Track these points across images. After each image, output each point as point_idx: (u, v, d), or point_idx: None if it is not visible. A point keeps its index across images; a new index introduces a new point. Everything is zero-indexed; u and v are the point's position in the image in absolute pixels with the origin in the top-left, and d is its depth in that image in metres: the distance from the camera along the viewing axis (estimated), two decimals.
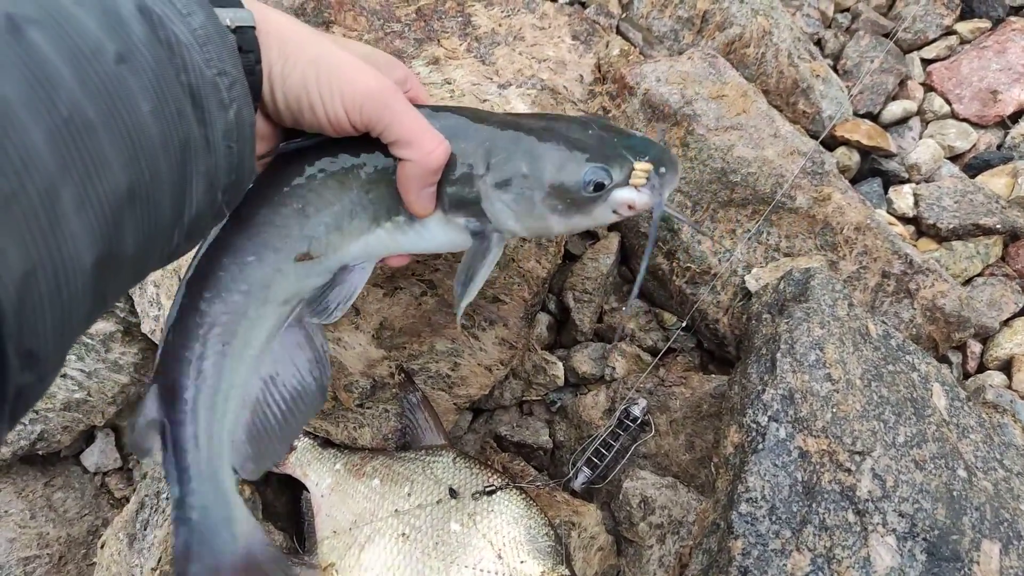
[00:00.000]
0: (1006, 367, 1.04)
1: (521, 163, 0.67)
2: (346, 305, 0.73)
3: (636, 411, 0.98)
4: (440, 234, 0.73)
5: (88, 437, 1.24)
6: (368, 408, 0.98)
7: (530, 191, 0.68)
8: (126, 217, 0.43)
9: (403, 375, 0.97)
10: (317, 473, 0.98)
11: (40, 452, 1.17)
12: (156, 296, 1.05)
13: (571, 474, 0.99)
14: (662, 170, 0.66)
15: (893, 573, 0.76)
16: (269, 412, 0.73)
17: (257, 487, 1.00)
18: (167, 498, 0.95)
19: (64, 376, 1.14)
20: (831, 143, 1.20)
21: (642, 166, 0.66)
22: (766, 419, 0.83)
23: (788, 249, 1.04)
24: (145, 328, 1.09)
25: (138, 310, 1.10)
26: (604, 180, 0.66)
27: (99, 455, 1.22)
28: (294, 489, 1.05)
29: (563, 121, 0.71)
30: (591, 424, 1.04)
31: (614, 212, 0.68)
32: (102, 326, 1.17)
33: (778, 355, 0.86)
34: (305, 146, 0.67)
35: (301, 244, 0.69)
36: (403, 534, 0.86)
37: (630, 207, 0.68)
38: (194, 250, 0.67)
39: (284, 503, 1.06)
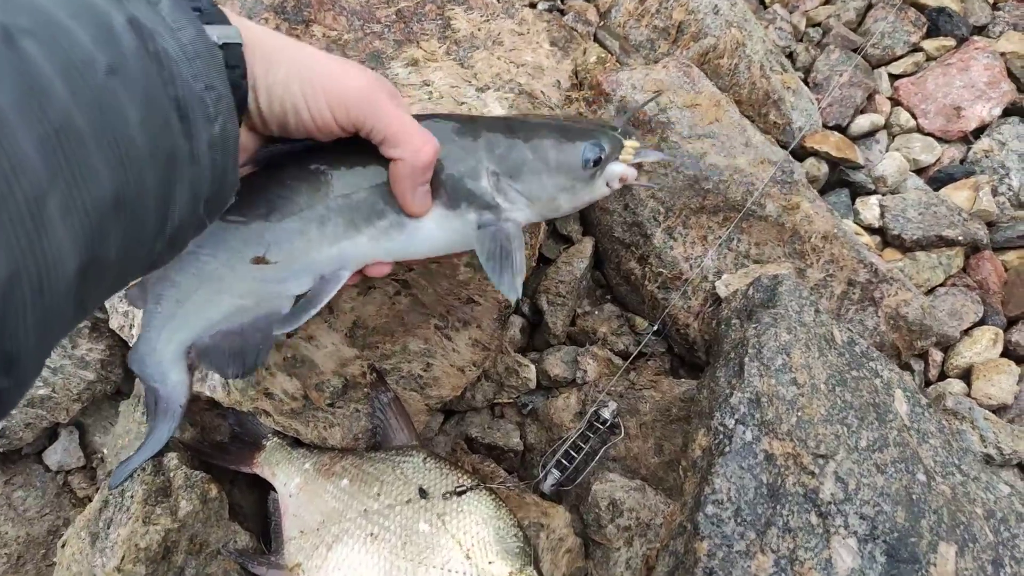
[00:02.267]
0: (966, 375, 1.07)
1: (525, 151, 0.73)
2: (308, 315, 0.75)
3: (606, 414, 0.99)
4: (436, 232, 0.74)
5: (51, 435, 1.22)
6: (339, 408, 0.97)
7: (539, 176, 0.73)
8: (111, 225, 0.44)
9: (375, 375, 0.97)
10: (285, 473, 0.97)
11: (0, 449, 1.15)
12: (124, 292, 1.03)
13: (540, 476, 0.99)
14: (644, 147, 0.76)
15: (854, 574, 0.77)
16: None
17: (223, 487, 0.99)
18: (131, 496, 0.94)
19: None
20: (801, 153, 1.22)
21: (631, 143, 0.75)
22: (733, 422, 0.85)
23: (758, 256, 1.06)
24: (113, 324, 1.08)
25: (106, 306, 1.08)
26: (601, 155, 0.73)
27: (62, 453, 1.20)
28: (262, 489, 1.04)
29: (548, 117, 0.79)
30: (561, 427, 1.05)
31: (607, 185, 0.76)
32: None
33: (746, 359, 0.87)
34: (284, 151, 0.68)
35: (258, 248, 0.71)
36: (371, 534, 0.86)
37: (622, 180, 0.75)
38: None
39: (251, 503, 1.05)
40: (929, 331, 1.03)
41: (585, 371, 1.10)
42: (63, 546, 0.99)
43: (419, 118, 0.68)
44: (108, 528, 0.94)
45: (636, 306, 1.17)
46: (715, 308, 1.07)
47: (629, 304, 1.18)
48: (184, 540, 0.90)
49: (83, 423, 1.23)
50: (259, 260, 0.72)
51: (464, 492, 0.88)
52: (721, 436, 0.85)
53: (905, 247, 1.15)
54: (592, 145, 0.73)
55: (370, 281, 0.95)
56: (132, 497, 0.94)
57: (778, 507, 0.80)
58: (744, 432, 0.84)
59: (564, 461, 0.99)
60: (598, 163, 0.73)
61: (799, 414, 0.84)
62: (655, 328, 1.01)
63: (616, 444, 1.01)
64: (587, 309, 1.19)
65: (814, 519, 0.80)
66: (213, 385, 0.98)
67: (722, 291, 1.05)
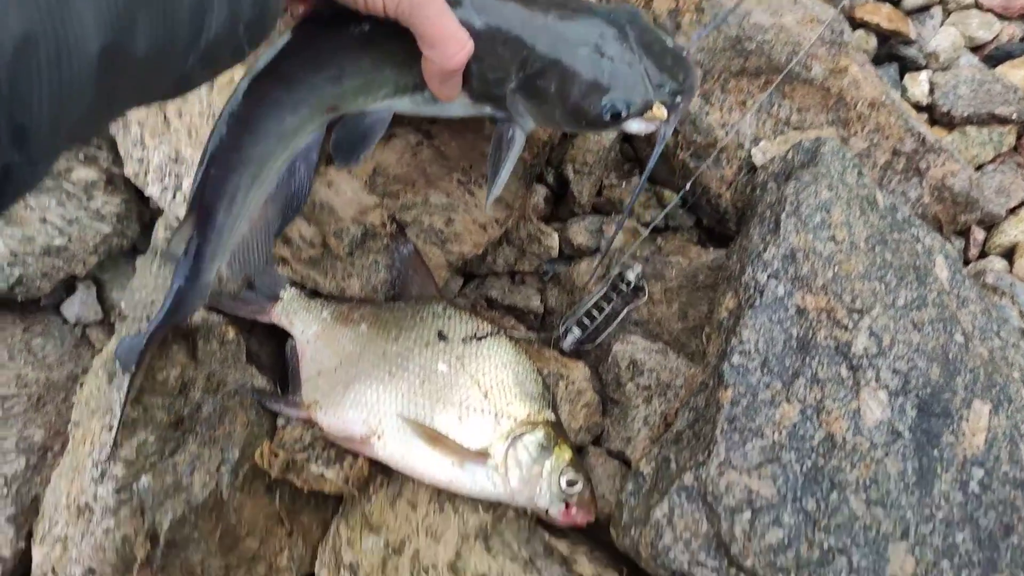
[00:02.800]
0: (1008, 254, 1.03)
1: (551, 81, 0.73)
2: (366, 152, 0.82)
3: (630, 275, 0.96)
4: (462, 111, 0.81)
5: (69, 288, 1.21)
6: (358, 258, 0.95)
7: (553, 106, 0.75)
8: (139, 13, 0.42)
9: (395, 225, 0.94)
10: (303, 321, 0.96)
11: (18, 298, 1.15)
12: (140, 136, 1.01)
13: (560, 333, 0.97)
14: (677, 99, 0.73)
15: (882, 426, 0.75)
16: (259, 232, 0.83)
17: (242, 335, 0.98)
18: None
19: (44, 221, 1.11)
20: (850, 25, 1.16)
21: (659, 110, 0.73)
22: (765, 276, 0.82)
23: (798, 123, 1.01)
24: (128, 171, 1.05)
25: (121, 152, 1.06)
26: (622, 112, 0.73)
27: (80, 306, 1.20)
28: (279, 341, 1.04)
29: (601, 26, 0.73)
30: (584, 290, 1.02)
31: (621, 131, 0.78)
32: (84, 173, 1.13)
33: (783, 215, 0.84)
34: (342, 14, 0.70)
35: (332, 101, 0.78)
36: (389, 372, 0.85)
37: (636, 133, 0.76)
38: (227, 98, 0.76)
39: (268, 354, 1.04)
40: (975, 204, 0.99)
41: (611, 240, 1.07)
42: (81, 386, 1.00)
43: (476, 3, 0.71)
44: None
45: (665, 178, 1.13)
46: (750, 176, 1.02)
47: (658, 176, 1.14)
48: (201, 378, 0.90)
49: (100, 279, 1.22)
50: (331, 110, 0.79)
51: (484, 337, 0.86)
52: (752, 291, 0.82)
53: (954, 124, 1.09)
54: (618, 101, 0.72)
55: (391, 128, 0.92)
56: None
57: (807, 359, 0.78)
58: (776, 286, 0.81)
59: (585, 320, 0.97)
60: (616, 119, 0.73)
61: (836, 269, 0.80)
62: (685, 189, 0.97)
63: (639, 308, 0.99)
64: (614, 182, 1.15)
65: (844, 371, 0.77)
66: None
67: (758, 159, 1.01)
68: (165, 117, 0.95)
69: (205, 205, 0.77)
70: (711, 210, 1.07)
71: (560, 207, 1.15)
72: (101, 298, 1.22)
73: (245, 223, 0.81)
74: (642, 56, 0.72)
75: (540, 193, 1.13)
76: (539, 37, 0.72)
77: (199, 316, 0.94)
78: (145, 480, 0.84)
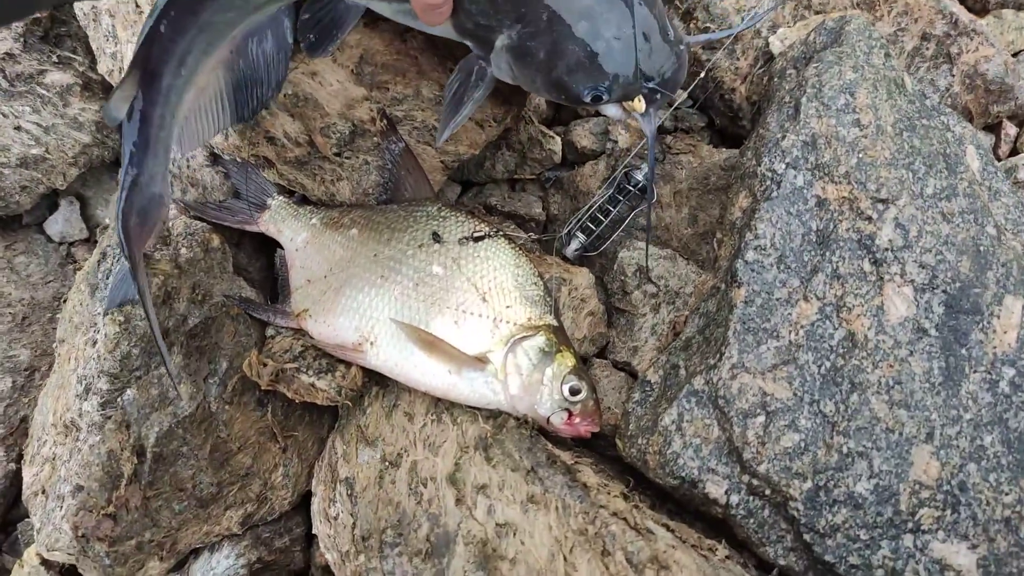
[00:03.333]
0: None
1: (541, 48, 0.70)
2: (337, 42, 0.77)
3: (638, 176, 0.90)
4: (442, 34, 0.77)
5: (51, 205, 1.16)
6: (347, 158, 0.89)
7: (536, 72, 0.72)
8: None
9: (385, 121, 0.88)
10: (292, 229, 0.90)
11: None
12: (112, 29, 0.94)
13: (564, 239, 0.92)
14: (657, 97, 0.73)
15: (907, 324, 0.70)
16: (212, 102, 0.78)
17: (228, 244, 0.93)
18: None
19: (19, 129, 1.05)
20: None
21: (639, 103, 0.72)
22: (783, 166, 0.75)
23: (820, 7, 0.93)
24: (102, 68, 0.99)
25: (94, 48, 0.99)
26: (603, 97, 0.72)
27: (63, 224, 1.15)
28: (269, 254, 0.99)
29: (607, 4, 0.70)
30: (588, 194, 0.97)
31: (597, 112, 0.78)
32: (58, 77, 1.06)
33: (803, 99, 0.77)
34: None
35: None
36: (382, 276, 0.80)
37: (614, 119, 0.76)
38: None
39: (259, 269, 0.99)
40: (1009, 93, 0.92)
41: (616, 141, 1.01)
42: (65, 302, 0.96)
43: None
44: (107, 279, 0.89)
45: None
46: (767, 67, 0.95)
47: None
48: (185, 288, 0.85)
49: (83, 195, 1.17)
50: None
51: (482, 238, 0.81)
52: (768, 182, 0.76)
53: (988, 7, 1.01)
54: (601, 88, 0.71)
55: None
56: None
57: (827, 254, 0.73)
58: (795, 176, 0.75)
59: (590, 225, 0.91)
60: (596, 101, 0.72)
61: (860, 156, 0.74)
62: (700, 77, 0.90)
63: (646, 211, 0.93)
64: None
65: (867, 266, 0.72)
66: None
67: (776, 47, 0.93)
68: (136, 4, 0.87)
69: (151, 64, 0.70)
70: (724, 107, 1.00)
71: (563, 109, 1.08)
72: (85, 215, 1.17)
73: (194, 91, 0.74)
74: (640, 42, 0.69)
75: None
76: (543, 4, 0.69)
77: (182, 223, 0.89)
78: (130, 393, 0.81)
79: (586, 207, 0.92)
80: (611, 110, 0.75)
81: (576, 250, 0.91)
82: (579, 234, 0.91)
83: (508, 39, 0.71)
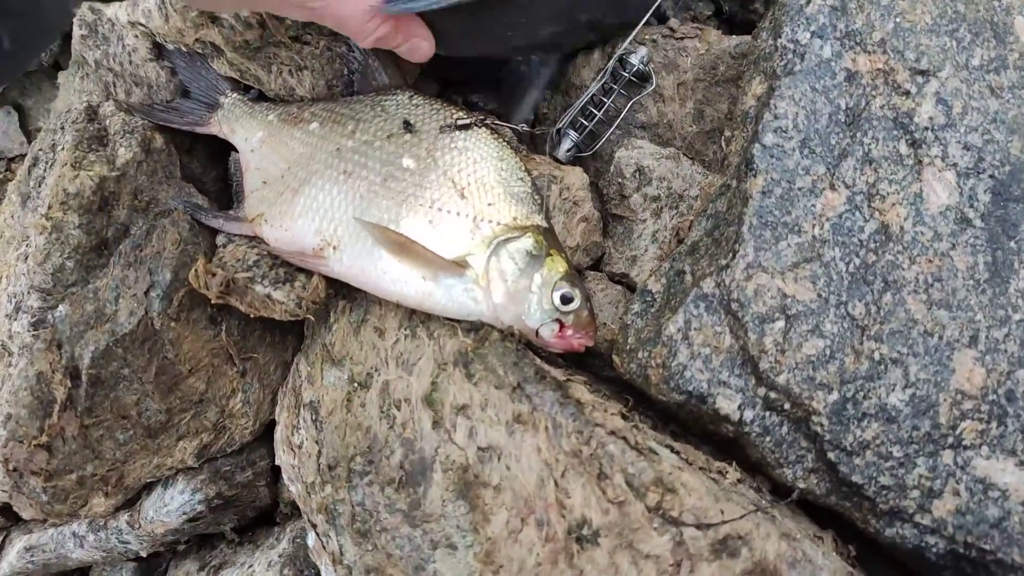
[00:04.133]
0: None
1: None
2: None
3: (634, 60, 0.79)
4: None
5: None
6: (306, 43, 0.78)
7: None
8: None
9: None
10: (246, 128, 0.80)
11: None
12: None
13: (554, 137, 0.82)
14: None
15: (949, 213, 0.61)
16: None
17: (176, 149, 0.83)
18: (62, 148, 0.78)
19: None
20: None
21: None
22: (808, 35, 0.65)
23: None
24: None
25: None
26: None
27: (1, 137, 1.04)
28: (224, 161, 0.88)
29: None
30: (582, 88, 0.86)
31: None
32: None
33: None
34: None
35: None
36: (344, 171, 0.70)
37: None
38: None
39: (213, 179, 0.89)
40: None
41: None
42: None
43: None
44: (39, 186, 0.79)
45: None
46: None
47: None
48: (125, 193, 0.75)
49: (22, 104, 1.06)
50: None
51: (466, 127, 0.70)
52: (790, 55, 0.65)
53: None
54: None
55: None
56: (63, 148, 0.78)
57: (858, 135, 0.63)
58: (821, 47, 0.65)
59: (582, 120, 0.81)
60: None
61: (897, 20, 0.64)
62: None
63: (645, 104, 0.83)
64: None
65: (903, 148, 0.62)
66: (147, 9, 0.79)
67: None
68: None
69: None
70: None
71: None
72: (24, 128, 1.06)
73: None
74: None
75: None
76: None
77: (119, 120, 0.78)
78: (62, 309, 0.71)
79: (578, 101, 0.81)
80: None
81: (568, 150, 0.81)
82: (571, 131, 0.80)
83: None
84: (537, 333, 0.66)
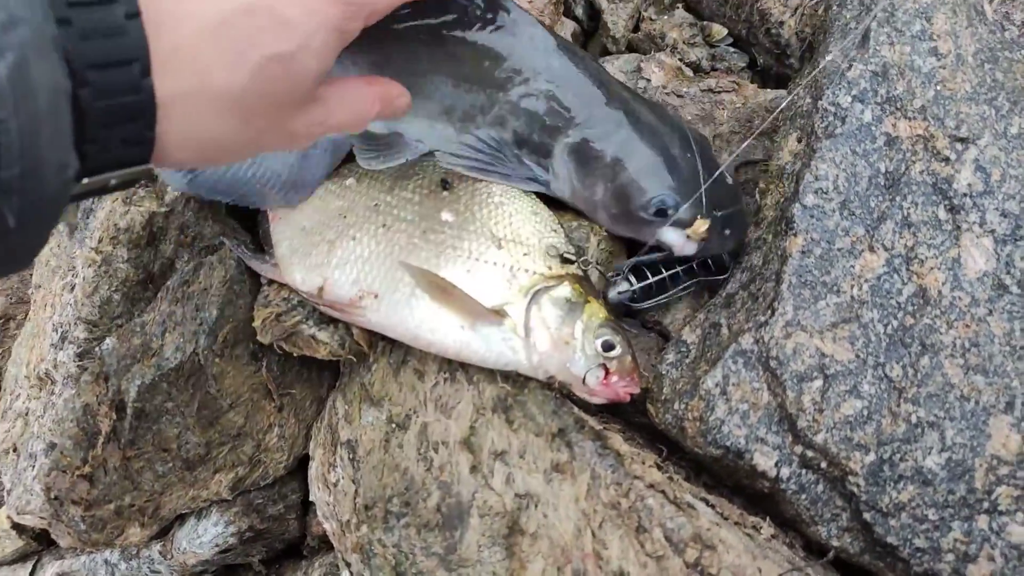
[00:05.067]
0: None
1: (609, 151, 0.69)
2: None
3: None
4: None
5: None
6: None
7: (599, 178, 0.70)
8: None
9: None
10: None
11: None
12: None
13: (611, 275, 0.75)
14: (726, 232, 0.69)
15: (986, 279, 0.62)
16: None
17: None
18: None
19: None
20: None
21: (703, 225, 0.67)
22: (849, 99, 0.67)
23: None
24: None
25: None
26: (669, 211, 0.68)
27: None
28: None
29: (671, 130, 0.71)
30: None
31: (654, 238, 0.70)
32: None
33: (873, 24, 0.68)
34: None
35: None
36: (384, 224, 0.71)
37: (670, 246, 0.70)
38: None
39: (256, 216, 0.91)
40: None
41: (649, 80, 0.92)
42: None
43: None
44: (87, 218, 0.80)
45: (715, 11, 0.96)
46: None
47: (705, 10, 0.97)
48: (173, 228, 0.77)
49: None
50: None
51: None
52: (831, 117, 0.67)
53: None
54: (671, 196, 0.68)
55: None
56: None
57: (897, 199, 0.64)
58: (862, 111, 0.66)
59: (647, 271, 0.74)
60: (661, 215, 0.68)
61: (938, 88, 0.65)
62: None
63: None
64: (652, 15, 0.98)
65: (942, 213, 0.63)
66: None
67: None
68: None
69: None
70: (769, 44, 0.90)
71: (591, 43, 0.99)
72: None
73: None
74: (706, 172, 0.68)
75: (568, 27, 0.97)
76: (612, 104, 0.70)
77: None
78: (109, 343, 0.73)
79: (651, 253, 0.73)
80: (670, 234, 0.69)
81: (621, 293, 0.75)
82: (631, 276, 0.74)
83: (572, 138, 0.70)
84: (583, 380, 0.66)
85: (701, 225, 0.67)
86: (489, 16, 0.67)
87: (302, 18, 0.43)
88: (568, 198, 0.74)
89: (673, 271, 0.74)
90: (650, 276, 0.74)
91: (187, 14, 0.39)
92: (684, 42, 0.96)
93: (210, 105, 0.41)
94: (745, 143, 0.71)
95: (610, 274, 0.75)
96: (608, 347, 0.65)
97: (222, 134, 0.43)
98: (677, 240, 0.69)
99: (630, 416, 0.78)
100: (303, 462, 0.82)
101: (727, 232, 0.69)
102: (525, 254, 0.69)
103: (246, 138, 0.45)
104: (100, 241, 0.75)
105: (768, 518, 0.64)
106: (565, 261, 0.70)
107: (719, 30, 0.96)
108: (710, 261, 0.74)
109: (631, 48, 0.97)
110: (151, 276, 0.76)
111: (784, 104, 0.71)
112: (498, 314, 0.67)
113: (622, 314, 0.76)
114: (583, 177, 0.71)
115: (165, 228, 0.76)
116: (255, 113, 0.43)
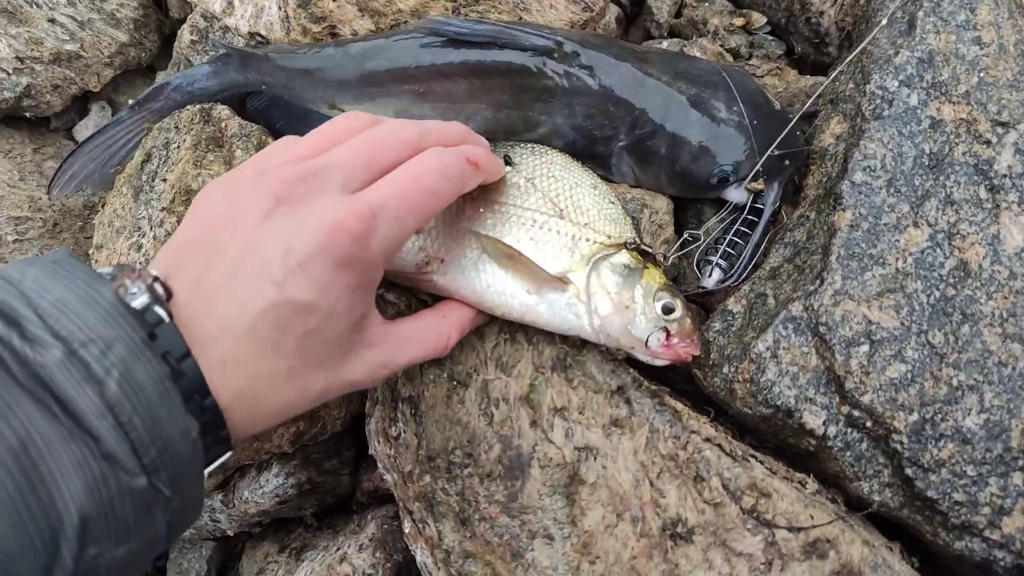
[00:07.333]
0: None
1: (661, 144, 0.76)
2: None
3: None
4: None
5: (81, 110, 1.10)
6: None
7: (659, 168, 0.78)
8: None
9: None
10: None
11: (28, 115, 1.04)
12: None
13: (695, 266, 0.84)
14: (785, 163, 0.76)
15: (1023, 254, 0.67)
16: None
17: None
18: (177, 147, 0.83)
19: (52, 21, 0.98)
20: None
21: (760, 182, 0.76)
22: (896, 83, 0.71)
23: None
24: None
25: None
26: (728, 178, 0.76)
27: (94, 129, 1.08)
28: None
29: (711, 93, 0.76)
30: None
31: (720, 196, 0.80)
32: None
33: (920, 13, 0.72)
34: None
35: None
36: None
37: (736, 202, 0.79)
38: None
39: None
40: None
41: None
42: (103, 206, 0.90)
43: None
44: (153, 181, 0.83)
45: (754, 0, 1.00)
46: None
47: None
48: None
49: (115, 100, 1.11)
50: None
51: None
52: (879, 100, 0.71)
53: None
54: (726, 169, 0.75)
55: None
56: (179, 147, 0.83)
57: (940, 178, 0.68)
58: (909, 95, 0.70)
59: (728, 249, 0.82)
60: (724, 183, 0.77)
61: (981, 75, 0.69)
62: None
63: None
64: (695, 3, 1.02)
65: (983, 193, 0.68)
66: (270, 22, 0.84)
67: None
68: None
69: None
70: (809, 32, 0.94)
71: (631, 30, 1.03)
72: None
73: None
74: (751, 122, 0.74)
75: (612, 12, 1.00)
76: (654, 96, 0.75)
77: (236, 123, 0.83)
78: None
79: (716, 232, 0.81)
80: (734, 194, 0.78)
81: (720, 281, 0.79)
82: (721, 262, 0.79)
83: (627, 142, 0.77)
84: (646, 343, 0.69)
85: (759, 183, 0.76)
86: (521, 41, 0.74)
87: (319, 297, 0.49)
88: (632, 184, 0.82)
89: (736, 232, 0.79)
90: (732, 251, 0.79)
91: (220, 330, 0.46)
92: (725, 28, 0.99)
93: (265, 393, 0.48)
94: (797, 115, 0.76)
95: (697, 261, 0.82)
96: (668, 310, 0.69)
97: (286, 405, 0.51)
98: (742, 196, 0.78)
99: (674, 383, 0.82)
100: (357, 419, 0.85)
101: (786, 163, 0.76)
102: (586, 224, 0.73)
103: (308, 400, 0.53)
104: (172, 201, 0.78)
105: (811, 474, 0.68)
106: (643, 254, 0.74)
107: (759, 17, 1.00)
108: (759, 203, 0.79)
109: (672, 33, 1.01)
110: None
111: (831, 78, 0.76)
112: (562, 281, 0.71)
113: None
114: (644, 171, 0.80)
115: None
116: (308, 382, 0.51)
